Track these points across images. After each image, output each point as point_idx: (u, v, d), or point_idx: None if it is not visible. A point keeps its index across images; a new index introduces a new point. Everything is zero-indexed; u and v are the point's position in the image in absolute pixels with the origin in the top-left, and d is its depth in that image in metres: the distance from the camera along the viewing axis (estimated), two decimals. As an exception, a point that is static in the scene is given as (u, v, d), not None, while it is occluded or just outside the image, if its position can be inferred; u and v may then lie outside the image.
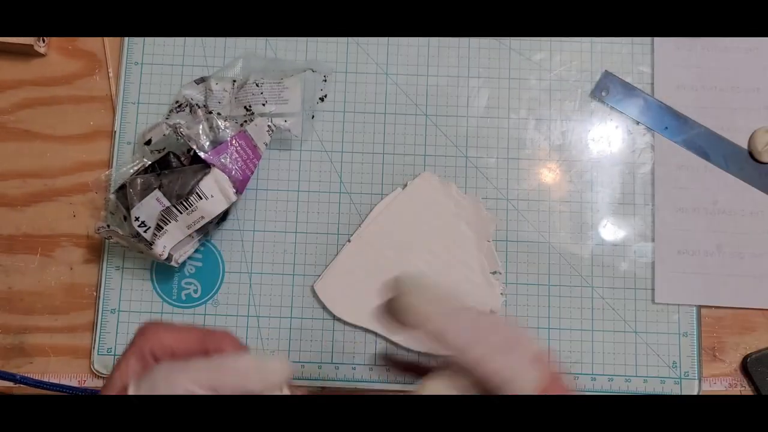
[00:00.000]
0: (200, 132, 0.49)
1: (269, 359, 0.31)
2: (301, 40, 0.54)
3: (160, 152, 0.50)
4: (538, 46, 0.54)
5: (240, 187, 0.49)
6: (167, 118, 0.51)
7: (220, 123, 0.49)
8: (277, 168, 0.53)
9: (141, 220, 0.47)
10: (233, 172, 0.48)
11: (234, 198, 0.48)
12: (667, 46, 0.54)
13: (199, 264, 0.52)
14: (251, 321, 0.51)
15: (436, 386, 0.33)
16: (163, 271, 0.52)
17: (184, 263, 0.51)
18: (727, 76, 0.53)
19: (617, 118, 0.53)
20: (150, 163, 0.49)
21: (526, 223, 0.52)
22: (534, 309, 0.51)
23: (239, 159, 0.49)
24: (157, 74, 0.54)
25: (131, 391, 0.30)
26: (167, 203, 0.47)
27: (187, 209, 0.47)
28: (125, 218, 0.48)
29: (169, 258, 0.48)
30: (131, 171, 0.50)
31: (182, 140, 0.49)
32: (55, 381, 0.50)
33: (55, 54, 0.54)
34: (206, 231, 0.50)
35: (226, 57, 0.54)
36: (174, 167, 0.48)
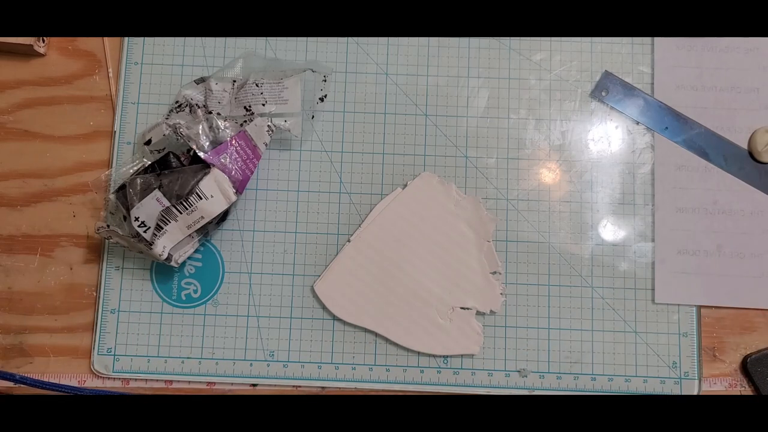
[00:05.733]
0: (200, 132, 0.49)
1: None
2: (301, 40, 0.54)
3: (160, 152, 0.50)
4: (538, 46, 0.54)
5: (240, 187, 0.49)
6: (167, 118, 0.51)
7: (220, 123, 0.50)
8: (277, 168, 0.53)
9: (141, 220, 0.47)
10: (233, 172, 0.48)
11: (234, 198, 0.48)
12: (667, 46, 0.54)
13: (199, 264, 0.52)
14: (251, 321, 0.51)
15: None
16: (163, 271, 0.52)
17: (184, 263, 0.51)
18: (727, 76, 0.53)
19: (617, 118, 0.53)
20: (150, 163, 0.49)
21: (526, 223, 0.52)
22: (534, 309, 0.51)
23: (239, 159, 0.49)
24: (157, 74, 0.54)
25: None
26: (167, 203, 0.47)
27: (187, 209, 0.47)
28: (125, 218, 0.48)
29: (169, 258, 0.48)
30: (131, 171, 0.50)
31: (182, 140, 0.49)
32: (55, 381, 0.50)
33: (55, 54, 0.54)
34: (206, 231, 0.50)
35: (226, 57, 0.54)
36: (174, 167, 0.48)
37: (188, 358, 0.51)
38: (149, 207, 0.47)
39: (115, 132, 0.53)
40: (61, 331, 0.51)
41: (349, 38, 0.54)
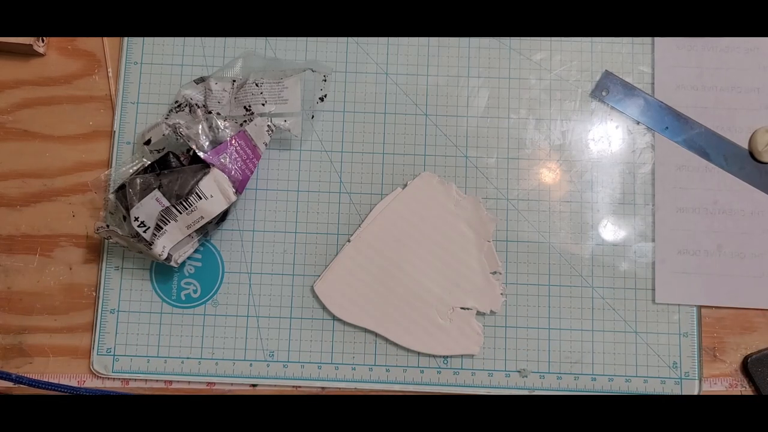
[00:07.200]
0: (200, 132, 0.49)
1: None
2: (301, 40, 0.54)
3: (159, 152, 0.50)
4: (538, 46, 0.54)
5: (240, 187, 0.49)
6: (167, 118, 0.51)
7: (219, 123, 0.49)
8: (277, 168, 0.53)
9: (140, 220, 0.47)
10: (233, 172, 0.48)
11: (234, 198, 0.48)
12: (667, 46, 0.54)
13: (199, 264, 0.52)
14: (251, 321, 0.51)
15: None
16: (162, 271, 0.52)
17: (183, 263, 0.51)
18: (727, 76, 0.53)
19: (617, 118, 0.53)
20: (149, 163, 0.49)
21: (526, 223, 0.52)
22: (534, 309, 0.51)
23: (239, 159, 0.49)
24: (157, 74, 0.54)
25: None
26: (167, 203, 0.47)
27: (186, 209, 0.47)
28: (125, 218, 0.48)
29: (169, 258, 0.48)
30: (131, 171, 0.50)
31: (182, 140, 0.49)
32: (54, 381, 0.50)
33: (55, 54, 0.54)
34: (206, 231, 0.50)
35: (226, 57, 0.54)
36: (173, 167, 0.48)
37: (188, 358, 0.51)
38: (149, 207, 0.47)
39: (114, 132, 0.53)
40: (61, 331, 0.51)
41: (349, 38, 0.54)
